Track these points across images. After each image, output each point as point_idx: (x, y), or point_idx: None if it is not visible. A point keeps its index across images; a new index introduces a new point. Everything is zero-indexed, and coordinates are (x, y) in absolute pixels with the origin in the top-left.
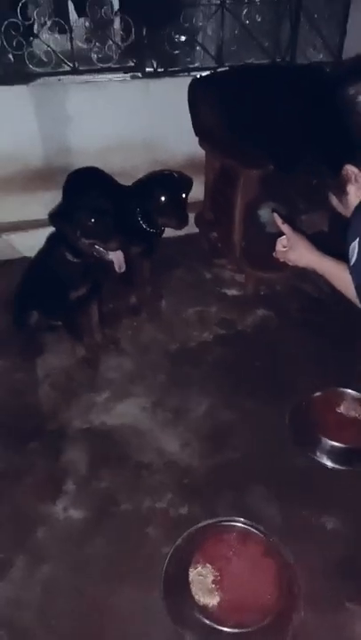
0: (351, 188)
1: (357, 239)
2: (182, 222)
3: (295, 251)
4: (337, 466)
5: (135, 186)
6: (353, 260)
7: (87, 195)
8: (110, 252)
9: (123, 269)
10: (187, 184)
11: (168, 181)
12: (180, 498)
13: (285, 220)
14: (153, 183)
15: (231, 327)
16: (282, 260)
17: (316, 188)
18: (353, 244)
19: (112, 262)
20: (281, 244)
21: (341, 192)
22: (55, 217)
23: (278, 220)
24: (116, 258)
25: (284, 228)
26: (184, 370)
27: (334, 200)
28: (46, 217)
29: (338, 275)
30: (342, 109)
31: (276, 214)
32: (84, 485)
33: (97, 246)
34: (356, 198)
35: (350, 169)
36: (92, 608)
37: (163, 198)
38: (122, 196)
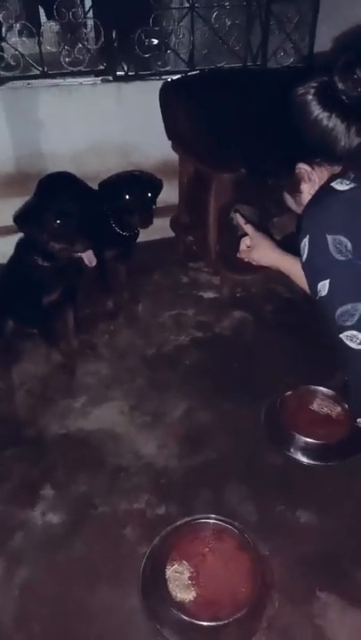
0: (305, 187)
1: (307, 237)
2: (146, 220)
3: (258, 250)
4: (311, 462)
5: (104, 188)
6: (304, 258)
7: (54, 197)
8: None
9: (93, 263)
10: (154, 185)
11: (133, 180)
12: (157, 498)
13: (248, 220)
14: (119, 184)
15: (208, 330)
16: (246, 259)
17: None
18: (303, 242)
19: (82, 259)
20: (245, 243)
21: (296, 191)
22: (20, 220)
23: (241, 221)
24: (85, 254)
25: (247, 227)
26: (161, 373)
27: (289, 199)
28: None
29: (298, 272)
30: (294, 109)
31: (238, 215)
32: (62, 490)
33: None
34: (309, 196)
35: (303, 167)
36: (70, 610)
37: (127, 196)
38: (94, 200)
